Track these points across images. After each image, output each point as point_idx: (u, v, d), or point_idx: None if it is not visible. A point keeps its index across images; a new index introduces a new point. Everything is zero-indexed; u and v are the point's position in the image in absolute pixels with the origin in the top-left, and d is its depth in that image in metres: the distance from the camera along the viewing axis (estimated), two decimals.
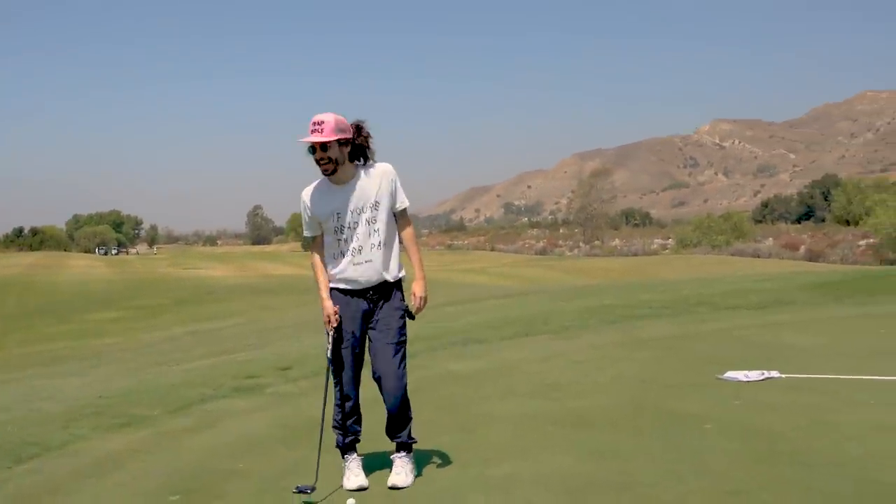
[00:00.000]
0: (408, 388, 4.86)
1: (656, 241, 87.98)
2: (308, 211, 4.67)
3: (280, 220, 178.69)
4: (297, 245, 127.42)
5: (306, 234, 4.79)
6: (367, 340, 4.78)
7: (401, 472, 4.70)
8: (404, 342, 4.78)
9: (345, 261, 4.63)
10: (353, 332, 4.70)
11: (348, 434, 4.78)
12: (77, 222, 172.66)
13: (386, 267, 4.65)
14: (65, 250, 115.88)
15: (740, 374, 7.20)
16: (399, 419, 4.79)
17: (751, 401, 6.31)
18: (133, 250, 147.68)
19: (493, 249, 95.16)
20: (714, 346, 9.01)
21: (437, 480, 4.75)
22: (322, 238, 4.72)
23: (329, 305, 4.68)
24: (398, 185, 4.65)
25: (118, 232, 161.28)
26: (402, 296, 4.79)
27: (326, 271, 4.74)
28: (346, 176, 4.57)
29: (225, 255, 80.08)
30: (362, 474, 4.71)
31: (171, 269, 55.13)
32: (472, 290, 25.55)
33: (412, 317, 4.80)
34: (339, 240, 4.63)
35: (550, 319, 11.91)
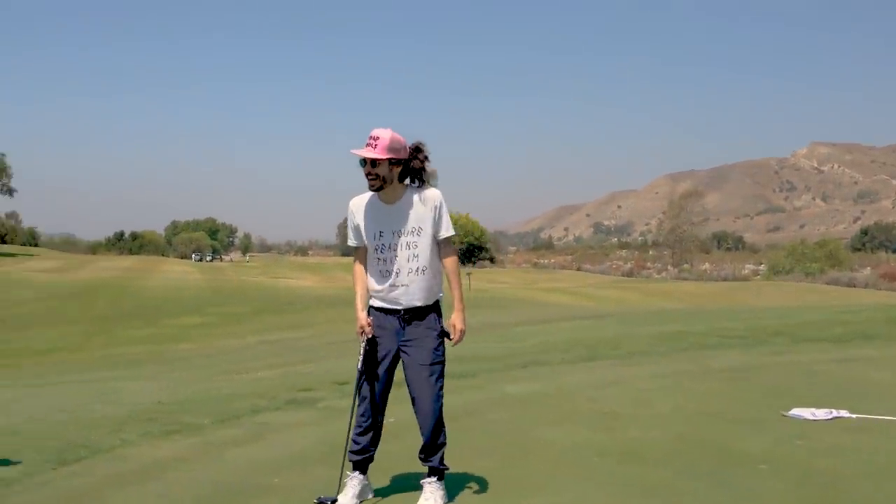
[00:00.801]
0: (443, 409, 4.77)
1: (747, 266, 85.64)
2: (353, 221, 4.62)
3: None
4: None
5: (350, 243, 4.74)
6: (399, 361, 4.69)
7: (430, 498, 4.58)
8: (440, 363, 4.68)
9: (383, 281, 4.58)
10: (384, 350, 4.62)
11: (359, 452, 4.71)
12: (175, 228, 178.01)
13: (422, 293, 4.57)
14: (162, 255, 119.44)
15: (807, 412, 6.84)
16: (431, 443, 4.67)
17: (814, 441, 5.97)
18: (227, 257, 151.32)
19: (579, 269, 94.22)
20: (785, 380, 8.62)
21: None
22: (365, 250, 4.66)
23: (363, 317, 4.62)
24: (443, 213, 4.54)
25: (213, 239, 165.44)
26: (439, 317, 4.68)
27: (368, 284, 4.69)
28: (393, 196, 4.51)
29: (316, 265, 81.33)
30: (353, 496, 4.64)
31: (261, 278, 56.21)
32: (549, 311, 25.25)
33: (449, 336, 4.69)
34: (379, 258, 4.58)
35: (619, 344, 11.62)
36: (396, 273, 4.52)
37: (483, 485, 5.01)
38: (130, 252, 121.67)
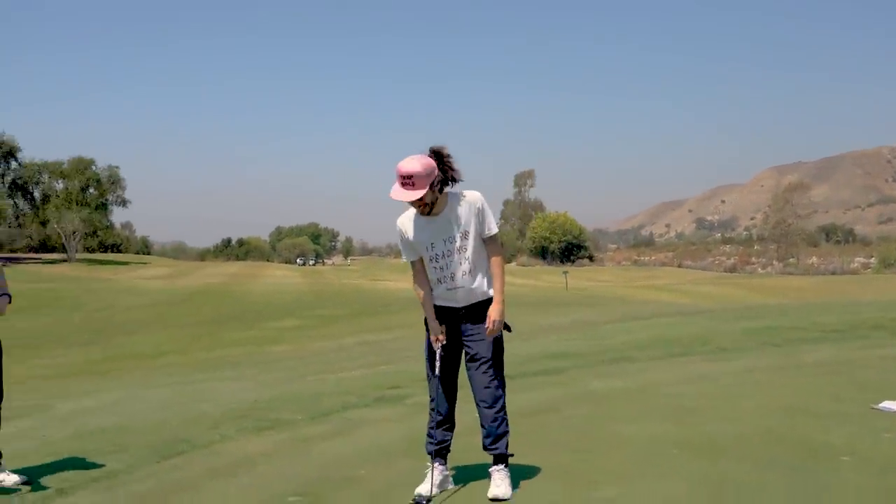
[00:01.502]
0: (506, 400, 5.00)
1: (857, 259, 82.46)
2: (404, 238, 4.86)
3: None
4: None
5: (405, 259, 4.97)
6: (462, 355, 4.90)
7: (500, 484, 4.76)
8: (497, 356, 4.90)
9: (440, 287, 4.84)
10: (451, 347, 4.84)
11: (436, 442, 4.93)
12: (279, 234, 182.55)
13: (479, 291, 4.80)
14: (267, 260, 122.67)
15: None
16: (493, 431, 4.85)
17: None
18: (329, 261, 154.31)
19: (679, 266, 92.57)
20: (880, 374, 8.39)
21: (538, 497, 4.73)
22: (422, 262, 4.86)
23: (436, 326, 4.85)
24: (486, 213, 4.75)
25: (316, 244, 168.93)
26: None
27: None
28: (438, 208, 4.70)
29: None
30: (434, 484, 4.82)
31: (360, 281, 57.22)
32: (644, 308, 24.96)
33: (509, 329, 4.92)
34: (434, 267, 4.82)
35: (710, 340, 11.49)
36: (452, 277, 4.77)
37: (556, 476, 5.12)
38: (237, 258, 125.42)
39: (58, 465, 5.77)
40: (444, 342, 4.85)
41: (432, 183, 4.56)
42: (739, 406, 7.12)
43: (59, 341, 24.35)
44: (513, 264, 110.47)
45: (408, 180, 4.50)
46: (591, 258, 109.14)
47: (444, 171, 4.62)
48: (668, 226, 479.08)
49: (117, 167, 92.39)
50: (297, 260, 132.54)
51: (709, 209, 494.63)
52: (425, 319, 4.98)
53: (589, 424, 6.66)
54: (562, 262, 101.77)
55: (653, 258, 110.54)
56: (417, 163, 4.51)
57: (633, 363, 9.85)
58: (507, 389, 5.07)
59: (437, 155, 4.64)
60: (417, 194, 4.52)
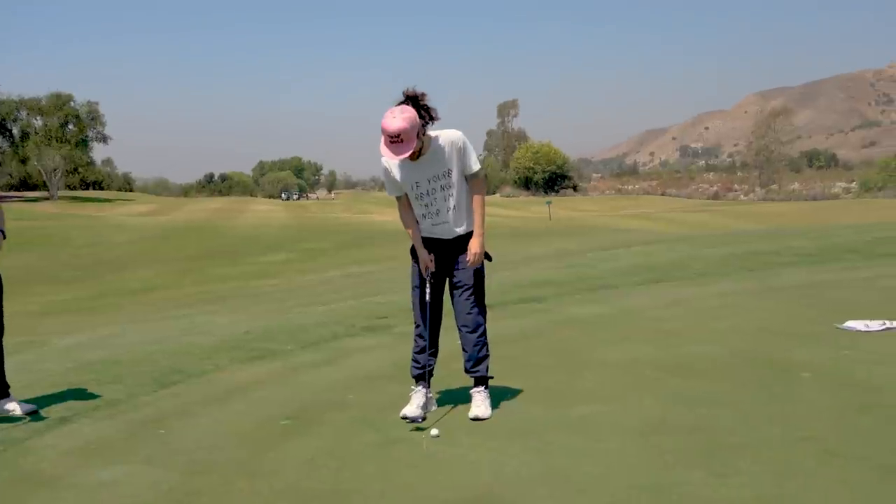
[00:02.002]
0: (486, 326, 5.28)
1: (838, 184, 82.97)
2: (389, 177, 5.05)
3: None
4: None
5: (392, 194, 5.18)
6: (446, 284, 5.17)
7: (480, 405, 5.06)
8: (479, 284, 5.18)
9: (426, 221, 5.08)
10: (435, 276, 5.11)
11: (420, 366, 5.23)
12: (262, 169, 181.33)
13: (461, 224, 5.05)
14: (251, 195, 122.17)
15: (860, 324, 7.02)
16: (474, 355, 5.15)
17: (861, 351, 6.18)
18: (313, 196, 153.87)
19: (663, 194, 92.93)
20: (851, 296, 8.70)
21: (517, 416, 5.03)
22: (406, 197, 5.07)
23: (425, 255, 5.07)
24: (467, 151, 4.94)
25: (299, 178, 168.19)
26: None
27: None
28: (422, 150, 4.87)
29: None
30: (418, 405, 5.10)
31: (344, 214, 57.32)
32: (627, 236, 25.31)
33: (489, 258, 5.21)
34: (420, 204, 5.05)
35: (688, 266, 11.80)
36: (437, 213, 5.02)
37: (535, 397, 5.43)
38: (220, 193, 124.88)
39: (59, 396, 6.01)
40: (433, 270, 5.09)
41: (418, 133, 4.74)
42: (713, 328, 7.43)
43: (49, 279, 24.51)
44: (497, 195, 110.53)
45: (396, 138, 4.67)
46: (575, 188, 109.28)
47: (423, 115, 4.78)
48: (652, 154, 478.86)
49: (96, 103, 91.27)
50: (282, 194, 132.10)
51: (693, 136, 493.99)
52: (411, 248, 5.22)
53: (570, 348, 6.95)
54: (546, 192, 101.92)
55: (636, 187, 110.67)
56: (402, 120, 4.63)
57: (613, 290, 10.15)
58: (491, 317, 5.34)
59: (414, 100, 4.79)
60: (408, 150, 4.70)
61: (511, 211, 66.01)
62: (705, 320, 7.83)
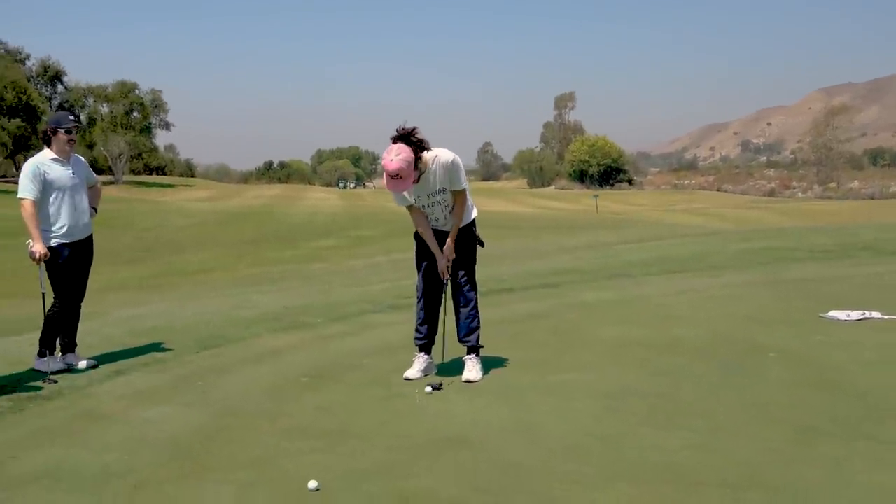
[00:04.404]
0: (478, 302, 6.14)
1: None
2: (397, 195, 5.88)
3: (508, 157, 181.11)
4: (524, 182, 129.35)
5: (398, 205, 6.06)
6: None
7: (472, 369, 5.87)
8: (470, 266, 6.08)
9: (433, 223, 6.01)
10: (434, 263, 6.04)
11: (422, 337, 6.11)
12: (320, 157, 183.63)
13: (456, 222, 5.95)
14: (308, 183, 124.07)
15: (842, 314, 7.62)
16: (466, 326, 6.01)
17: (832, 337, 6.81)
18: (369, 185, 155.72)
19: (718, 190, 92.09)
20: (849, 289, 9.22)
21: (503, 380, 5.81)
22: (412, 206, 5.97)
23: (435, 245, 5.97)
24: (454, 172, 5.78)
25: (357, 167, 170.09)
26: (473, 233, 6.09)
27: None
28: (421, 172, 5.72)
29: None
30: (419, 369, 6.00)
31: (391, 204, 58.14)
32: (663, 230, 25.76)
33: (482, 244, 6.15)
34: (425, 212, 5.98)
35: (705, 258, 12.39)
36: (436, 219, 5.98)
37: (525, 367, 6.20)
38: (279, 181, 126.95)
39: (116, 355, 6.94)
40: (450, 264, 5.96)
41: (415, 162, 5.57)
42: (707, 314, 8.09)
43: (112, 258, 25.79)
44: (551, 187, 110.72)
45: (395, 176, 5.52)
46: (630, 182, 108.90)
47: (416, 148, 5.58)
48: (712, 149, 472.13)
49: (160, 91, 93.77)
50: (339, 183, 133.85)
51: (755, 132, 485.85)
52: (415, 233, 6.06)
53: (571, 328, 7.68)
54: (600, 185, 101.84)
55: (693, 182, 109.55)
56: (399, 161, 5.46)
57: (629, 278, 10.81)
58: (507, 300, 6.16)
59: (405, 138, 5.58)
60: (407, 185, 5.61)
61: (561, 203, 66.37)
62: (703, 308, 8.48)
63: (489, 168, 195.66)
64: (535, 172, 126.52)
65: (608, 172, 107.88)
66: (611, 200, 67.67)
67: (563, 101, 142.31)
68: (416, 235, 6.10)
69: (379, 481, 3.93)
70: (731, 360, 6.18)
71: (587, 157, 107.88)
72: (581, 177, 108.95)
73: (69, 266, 6.39)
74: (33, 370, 6.38)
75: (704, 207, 55.13)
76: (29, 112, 71.94)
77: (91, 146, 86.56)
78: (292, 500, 3.73)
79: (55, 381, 5.99)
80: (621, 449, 4.32)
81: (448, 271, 5.94)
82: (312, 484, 3.84)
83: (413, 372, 5.96)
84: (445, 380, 5.83)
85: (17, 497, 3.85)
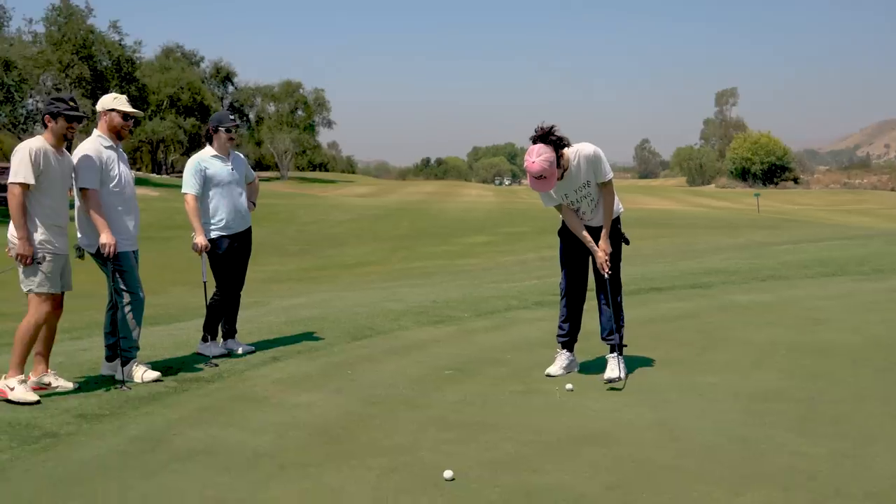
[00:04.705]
0: (623, 302, 6.10)
1: None
2: (544, 196, 5.92)
3: (666, 154, 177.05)
4: (682, 181, 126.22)
5: (546, 206, 6.06)
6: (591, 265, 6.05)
7: (614, 368, 5.82)
8: (615, 265, 5.98)
9: (581, 218, 5.98)
10: (582, 257, 6.05)
11: (565, 334, 6.11)
12: (476, 154, 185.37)
13: (601, 219, 5.94)
14: (465, 180, 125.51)
15: None
16: (610, 325, 5.96)
17: None
18: (526, 182, 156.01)
19: (893, 190, 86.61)
20: None
21: (646, 380, 5.76)
22: (560, 205, 5.96)
23: (589, 240, 5.93)
24: (598, 165, 5.76)
25: (512, 164, 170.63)
26: (618, 230, 6.07)
27: None
28: (565, 169, 5.74)
29: None
30: (560, 366, 6.02)
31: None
32: (826, 231, 24.55)
33: (627, 241, 6.11)
34: (573, 209, 5.96)
35: (868, 261, 11.78)
36: (583, 214, 5.96)
37: (668, 367, 6.13)
38: (436, 177, 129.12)
39: (274, 342, 7.33)
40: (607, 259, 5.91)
41: (557, 161, 5.58)
42: (865, 319, 7.72)
43: (276, 251, 27.08)
44: (711, 186, 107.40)
45: (541, 179, 5.57)
46: (795, 181, 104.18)
47: (557, 146, 5.59)
48: (887, 146, 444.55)
49: (322, 90, 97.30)
50: (494, 180, 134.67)
51: None
52: (559, 231, 6.08)
53: (718, 329, 7.51)
54: (764, 184, 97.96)
55: (865, 181, 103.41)
56: (541, 162, 5.50)
57: (784, 280, 10.43)
58: (655, 299, 6.10)
59: (545, 137, 5.59)
60: (551, 185, 5.64)
61: (721, 202, 64.27)
62: (859, 313, 8.08)
63: (647, 165, 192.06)
64: (695, 170, 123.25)
65: (772, 170, 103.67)
66: (774, 200, 65.00)
67: (725, 97, 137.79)
68: (561, 233, 6.12)
69: (511, 474, 4.01)
70: (885, 368, 5.89)
71: (749, 155, 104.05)
72: (743, 175, 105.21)
73: (229, 257, 6.80)
74: (197, 354, 6.84)
75: (875, 208, 52.09)
76: (203, 111, 76.24)
77: (259, 144, 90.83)
78: (428, 487, 3.86)
79: (216, 365, 6.40)
80: (762, 453, 4.21)
81: (607, 264, 5.88)
82: (448, 473, 3.95)
83: (555, 368, 6.00)
84: (587, 378, 5.84)
85: (179, 470, 4.16)
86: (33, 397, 5.34)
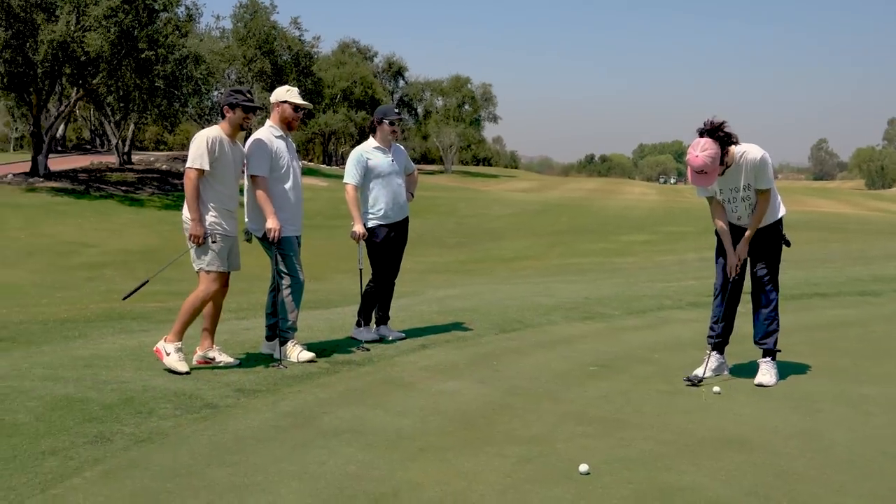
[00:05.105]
0: (778, 302, 5.87)
1: None
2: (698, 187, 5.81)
3: (845, 155, 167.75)
4: (861, 183, 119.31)
5: (699, 196, 5.96)
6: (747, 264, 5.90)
7: (766, 373, 5.65)
8: (773, 266, 5.82)
9: (731, 216, 5.84)
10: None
11: (716, 336, 5.92)
12: (642, 151, 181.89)
13: (755, 221, 5.74)
14: (628, 178, 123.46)
15: None
16: (764, 328, 5.76)
17: None
18: None
19: None
20: None
21: (799, 387, 5.58)
22: (713, 198, 5.83)
23: (731, 250, 5.83)
24: (760, 172, 5.57)
25: (679, 162, 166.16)
26: (777, 232, 5.86)
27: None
28: (728, 166, 5.60)
29: (782, 189, 78.47)
30: (710, 368, 5.85)
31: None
32: None
33: (788, 243, 5.91)
34: (727, 207, 5.82)
35: None
36: (739, 217, 5.80)
37: (824, 374, 5.93)
38: (599, 174, 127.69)
39: (424, 330, 7.53)
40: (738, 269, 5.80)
41: (722, 158, 5.45)
42: None
43: (436, 243, 27.61)
44: (893, 189, 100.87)
45: (700, 172, 5.45)
46: None
47: (724, 143, 5.45)
48: None
49: (490, 84, 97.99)
50: (659, 178, 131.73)
51: None
52: (715, 232, 5.94)
53: (884, 339, 7.16)
54: None
55: None
56: (704, 157, 5.38)
57: None
58: (819, 305, 5.85)
59: (713, 132, 5.45)
60: (712, 180, 5.52)
61: None
62: None
63: (823, 166, 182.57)
64: (876, 172, 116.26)
65: None
66: None
67: None
68: (718, 231, 5.99)
69: (645, 471, 3.99)
70: None
71: None
72: None
73: (385, 246, 7.04)
74: (350, 338, 7.12)
75: None
76: (374, 105, 78.25)
77: (425, 137, 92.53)
78: (561, 479, 3.90)
79: (368, 350, 6.66)
80: None
81: (737, 269, 5.76)
82: (583, 467, 3.98)
83: (701, 370, 5.87)
84: (737, 381, 5.70)
85: (326, 446, 4.38)
86: (184, 368, 5.72)
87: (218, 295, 5.98)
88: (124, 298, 6.35)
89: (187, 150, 6.06)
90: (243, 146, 6.16)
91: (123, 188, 36.73)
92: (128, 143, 46.64)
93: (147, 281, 6.17)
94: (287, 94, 6.38)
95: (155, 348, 5.85)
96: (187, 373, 5.69)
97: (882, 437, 4.52)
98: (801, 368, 6.05)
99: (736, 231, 5.83)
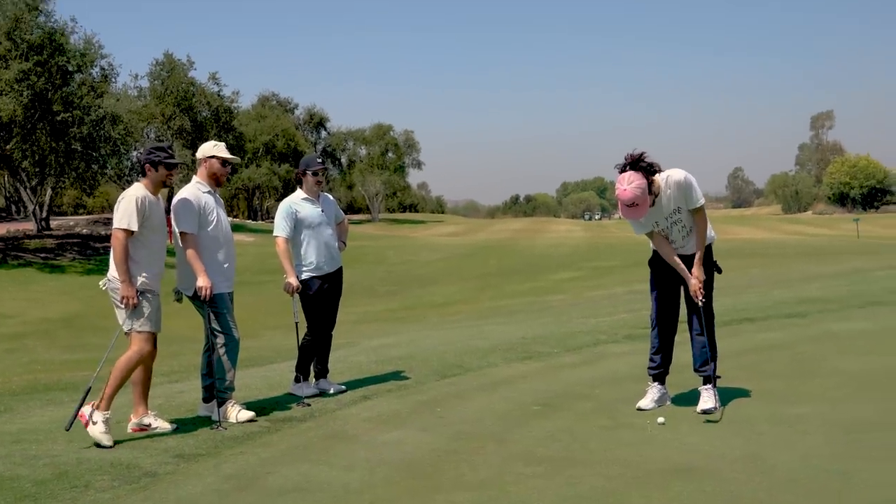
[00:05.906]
0: (716, 333, 5.98)
1: None
2: (634, 224, 5.92)
3: (760, 182, 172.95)
4: (777, 208, 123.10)
5: (637, 234, 6.05)
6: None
7: (708, 400, 5.75)
8: (708, 294, 5.88)
9: (673, 245, 5.92)
10: (672, 286, 6.02)
11: (656, 367, 6.04)
12: (565, 189, 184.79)
13: (693, 247, 5.87)
14: (553, 216, 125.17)
15: None
16: (702, 357, 5.88)
17: None
18: (616, 215, 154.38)
19: None
20: None
21: (738, 412, 5.68)
22: (652, 232, 5.92)
23: (682, 268, 5.86)
24: (689, 190, 5.70)
25: (601, 198, 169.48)
26: (710, 258, 5.96)
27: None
28: (656, 196, 5.72)
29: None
30: (652, 399, 5.94)
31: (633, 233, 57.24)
32: None
33: (719, 270, 6.04)
34: (665, 236, 5.91)
35: None
36: (673, 242, 5.90)
37: (760, 398, 6.04)
38: (524, 214, 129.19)
39: (364, 381, 7.47)
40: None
41: (649, 187, 5.57)
42: None
43: (366, 292, 27.46)
44: (808, 213, 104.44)
45: (633, 207, 5.56)
46: None
47: (647, 173, 5.58)
48: None
49: (412, 131, 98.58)
50: (584, 215, 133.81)
51: None
52: (649, 260, 6.04)
53: (812, 359, 7.33)
54: (864, 209, 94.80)
55: None
56: (634, 190, 5.50)
57: (884, 307, 10.10)
58: (748, 329, 5.96)
59: (635, 164, 5.58)
60: (643, 212, 5.61)
61: (818, 229, 62.46)
62: None
63: (740, 194, 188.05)
64: (791, 197, 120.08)
65: (872, 194, 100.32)
66: (875, 225, 62.82)
67: (820, 121, 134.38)
68: (652, 262, 6.08)
69: None
70: None
71: (848, 179, 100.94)
72: (841, 200, 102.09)
73: (320, 298, 6.98)
74: (289, 394, 7.01)
75: None
76: (297, 157, 77.95)
77: (350, 187, 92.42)
78: None
79: (308, 405, 6.56)
80: (857, 486, 4.10)
81: (701, 292, 5.80)
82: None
83: (646, 402, 5.94)
84: (679, 410, 5.78)
85: None
86: (108, 441, 5.46)
87: (148, 357, 5.83)
88: (67, 429, 5.61)
89: (108, 212, 5.96)
90: (166, 203, 6.07)
91: (42, 255, 35.69)
92: (45, 208, 45.44)
93: (89, 389, 5.73)
94: (214, 148, 6.33)
95: (79, 413, 5.55)
96: (110, 446, 5.45)
97: (820, 455, 4.61)
98: (738, 393, 6.16)
99: (680, 259, 5.90)
